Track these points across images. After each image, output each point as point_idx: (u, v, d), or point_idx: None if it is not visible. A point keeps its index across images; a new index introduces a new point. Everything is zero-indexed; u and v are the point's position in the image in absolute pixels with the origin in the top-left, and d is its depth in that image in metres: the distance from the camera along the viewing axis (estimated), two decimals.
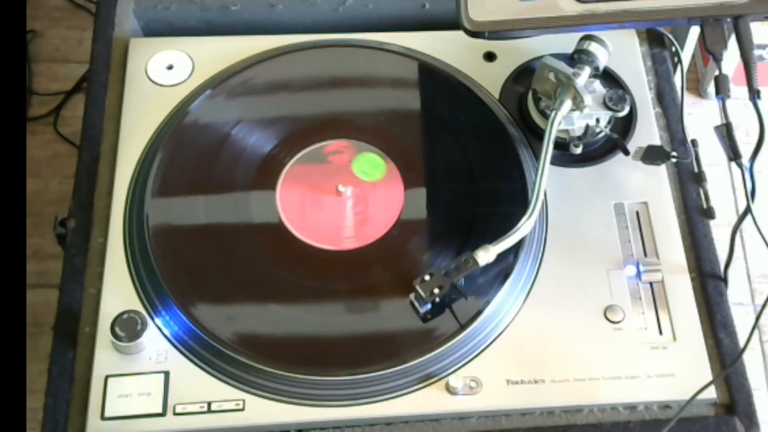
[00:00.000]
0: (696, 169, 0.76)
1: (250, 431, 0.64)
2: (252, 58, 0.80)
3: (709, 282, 0.70)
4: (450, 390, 0.64)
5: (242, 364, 0.65)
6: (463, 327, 0.66)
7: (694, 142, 0.78)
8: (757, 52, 0.88)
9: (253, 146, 0.76)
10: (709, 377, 0.66)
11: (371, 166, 0.75)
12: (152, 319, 0.67)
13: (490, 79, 0.80)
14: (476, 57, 0.81)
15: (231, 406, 0.64)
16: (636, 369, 0.66)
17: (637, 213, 0.73)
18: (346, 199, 0.73)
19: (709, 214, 0.74)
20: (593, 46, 0.73)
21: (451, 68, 0.80)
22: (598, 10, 0.70)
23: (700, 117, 1.06)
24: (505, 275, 0.68)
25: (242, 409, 0.64)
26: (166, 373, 0.65)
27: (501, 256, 0.67)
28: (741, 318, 0.87)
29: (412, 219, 0.73)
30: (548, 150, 0.69)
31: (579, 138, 0.74)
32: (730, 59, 0.73)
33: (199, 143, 0.75)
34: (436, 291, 0.66)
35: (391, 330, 0.67)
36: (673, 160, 0.73)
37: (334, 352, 0.66)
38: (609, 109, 0.72)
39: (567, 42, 0.75)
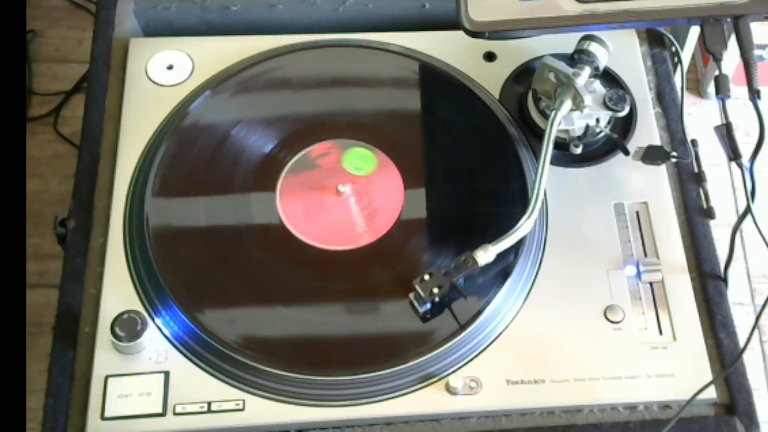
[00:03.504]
0: (696, 169, 0.76)
1: (250, 431, 0.64)
2: (252, 58, 0.80)
3: (709, 282, 0.70)
4: (450, 390, 0.64)
5: (242, 364, 0.65)
6: (463, 327, 0.66)
7: (694, 142, 0.78)
8: (757, 52, 0.88)
9: (253, 146, 0.76)
10: (709, 377, 0.66)
11: (361, 160, 0.75)
12: (152, 319, 0.67)
13: (490, 79, 0.80)
14: (476, 57, 0.81)
15: (231, 406, 0.64)
16: (636, 369, 0.66)
17: (637, 213, 0.73)
18: (348, 197, 0.74)
19: (709, 214, 0.74)
20: (593, 46, 0.73)
21: (451, 68, 0.80)
22: (598, 10, 0.70)
23: (700, 117, 1.06)
24: (505, 275, 0.68)
25: (242, 409, 0.64)
26: (166, 373, 0.65)
27: (501, 256, 0.67)
28: (741, 318, 0.87)
29: (412, 219, 0.73)
30: (548, 150, 0.69)
31: (579, 138, 0.74)
32: (730, 59, 0.73)
33: (199, 143, 0.75)
34: (436, 290, 0.66)
35: (391, 330, 0.67)
36: (673, 160, 0.73)
37: (334, 352, 0.66)
38: (609, 109, 0.72)
39: (567, 42, 0.75)
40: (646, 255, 0.71)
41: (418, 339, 0.66)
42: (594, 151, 0.76)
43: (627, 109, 0.72)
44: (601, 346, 0.67)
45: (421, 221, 0.73)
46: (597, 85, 0.73)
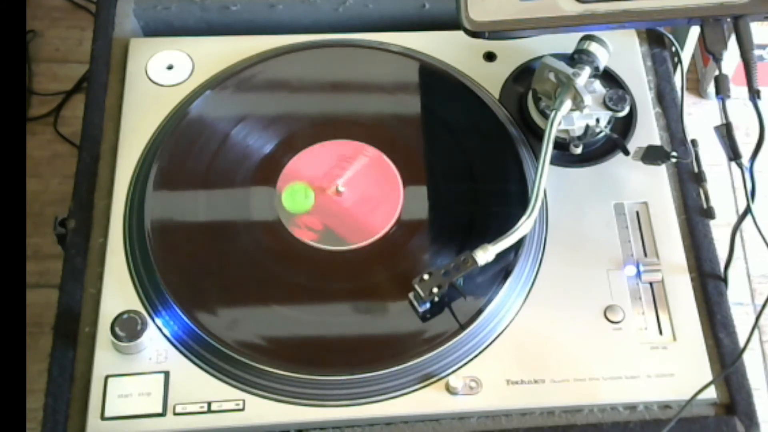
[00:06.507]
0: (696, 169, 0.76)
1: (250, 431, 0.64)
2: (252, 58, 0.80)
3: (709, 282, 0.70)
4: (450, 390, 0.64)
5: (242, 364, 0.65)
6: (462, 327, 0.66)
7: (694, 142, 0.78)
8: (757, 52, 0.88)
9: (253, 146, 0.76)
10: (709, 377, 0.66)
11: (302, 196, 0.73)
12: (152, 319, 0.67)
13: (490, 79, 0.80)
14: (476, 57, 0.81)
15: (231, 406, 0.64)
16: (636, 369, 0.66)
17: (637, 213, 0.73)
18: (348, 197, 0.74)
19: (709, 214, 0.74)
20: (593, 46, 0.73)
21: (451, 68, 0.80)
22: (598, 10, 0.70)
23: (700, 117, 1.06)
24: (505, 275, 0.68)
25: (242, 409, 0.64)
26: (166, 373, 0.65)
27: (501, 256, 0.67)
28: (741, 318, 0.87)
29: (411, 219, 0.73)
30: (548, 150, 0.69)
31: (579, 138, 0.74)
32: (730, 59, 0.73)
33: (199, 143, 0.75)
34: (435, 290, 0.66)
35: (391, 330, 0.67)
36: (673, 160, 0.73)
37: (333, 352, 0.66)
38: (609, 109, 0.72)
39: (567, 42, 0.75)
40: (646, 255, 0.71)
41: (418, 339, 0.66)
42: (594, 151, 0.76)
43: (627, 109, 0.72)
44: (601, 346, 0.67)
45: (420, 221, 0.73)
46: (597, 85, 0.73)
